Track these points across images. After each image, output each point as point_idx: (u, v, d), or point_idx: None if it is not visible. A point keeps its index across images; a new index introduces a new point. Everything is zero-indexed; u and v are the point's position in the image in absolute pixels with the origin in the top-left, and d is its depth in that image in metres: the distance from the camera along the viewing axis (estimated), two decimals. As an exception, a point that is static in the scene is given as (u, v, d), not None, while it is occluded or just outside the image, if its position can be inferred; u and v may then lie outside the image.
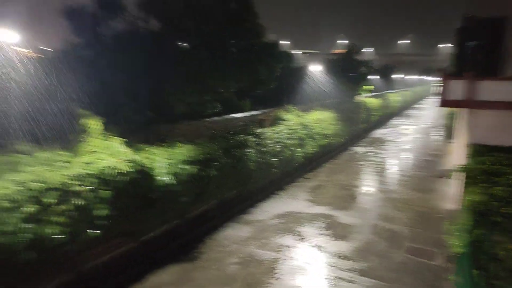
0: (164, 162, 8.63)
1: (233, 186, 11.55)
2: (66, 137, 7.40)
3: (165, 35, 10.34)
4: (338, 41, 73.83)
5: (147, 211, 8.19)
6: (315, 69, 20.68)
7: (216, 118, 12.66)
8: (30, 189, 5.99)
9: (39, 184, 6.12)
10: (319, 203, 13.02)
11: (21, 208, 5.80)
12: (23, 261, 5.75)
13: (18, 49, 7.11)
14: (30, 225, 5.86)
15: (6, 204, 5.64)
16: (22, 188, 5.95)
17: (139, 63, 9.09)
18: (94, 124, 7.68)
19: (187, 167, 9.09)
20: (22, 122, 7.15)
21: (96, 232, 6.94)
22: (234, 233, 10.57)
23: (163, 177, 8.43)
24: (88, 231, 6.78)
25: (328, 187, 15.05)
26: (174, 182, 8.60)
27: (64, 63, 8.25)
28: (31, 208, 5.90)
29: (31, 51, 8.62)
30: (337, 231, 10.69)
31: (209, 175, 9.88)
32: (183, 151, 9.35)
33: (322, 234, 10.47)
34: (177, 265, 8.73)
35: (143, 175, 7.92)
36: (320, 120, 18.19)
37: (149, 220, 8.46)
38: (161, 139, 9.40)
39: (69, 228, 6.39)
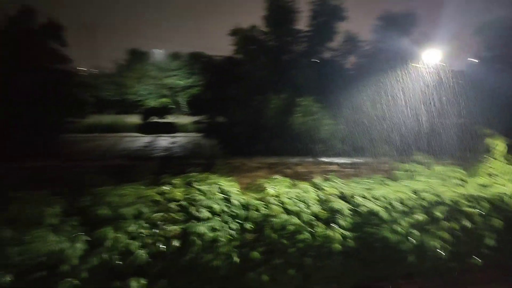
0: None
1: None
2: (465, 154, 7.20)
3: None
4: None
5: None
6: None
7: None
8: (422, 199, 6.30)
9: (431, 196, 6.32)
10: None
11: (412, 214, 6.22)
12: (406, 262, 6.16)
13: (439, 65, 7.57)
14: (416, 232, 6.18)
15: (401, 207, 6.22)
16: (415, 196, 6.37)
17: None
18: (498, 145, 6.99)
19: None
20: (423, 133, 7.60)
21: (478, 260, 6.40)
22: None
23: None
24: (471, 256, 6.36)
25: None
26: None
27: (470, 79, 8.05)
28: (420, 217, 6.20)
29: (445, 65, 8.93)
30: None
31: None
32: None
33: None
34: None
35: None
36: None
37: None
38: None
39: (451, 247, 6.24)
